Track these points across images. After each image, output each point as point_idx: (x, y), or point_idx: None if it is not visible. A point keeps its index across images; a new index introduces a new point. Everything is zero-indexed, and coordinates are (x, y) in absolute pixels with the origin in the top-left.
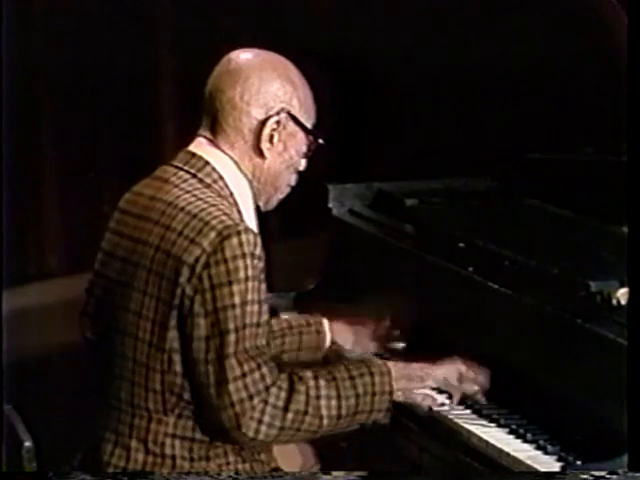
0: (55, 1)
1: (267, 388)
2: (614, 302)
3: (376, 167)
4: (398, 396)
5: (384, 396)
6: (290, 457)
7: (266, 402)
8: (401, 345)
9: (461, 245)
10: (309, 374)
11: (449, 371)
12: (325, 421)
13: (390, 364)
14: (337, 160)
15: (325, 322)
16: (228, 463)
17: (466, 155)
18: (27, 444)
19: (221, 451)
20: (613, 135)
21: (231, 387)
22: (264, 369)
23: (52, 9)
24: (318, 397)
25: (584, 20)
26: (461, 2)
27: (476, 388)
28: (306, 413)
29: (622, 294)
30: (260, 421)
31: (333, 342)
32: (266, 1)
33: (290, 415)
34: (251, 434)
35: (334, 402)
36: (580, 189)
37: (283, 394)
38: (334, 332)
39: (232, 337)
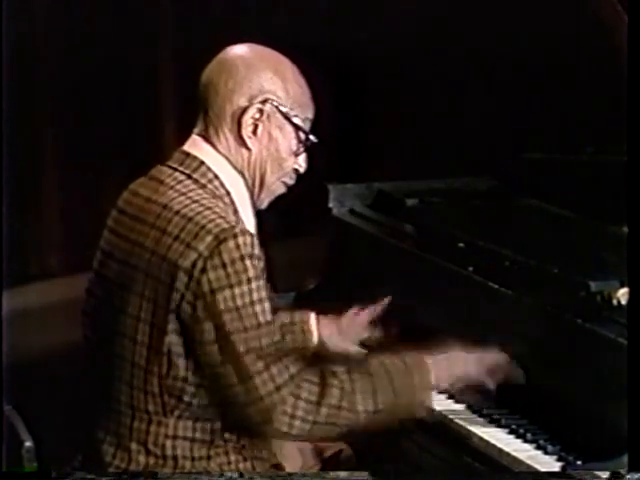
0: (56, 1)
1: (293, 378)
2: (614, 302)
3: (376, 167)
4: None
5: (425, 391)
6: (290, 457)
7: (298, 396)
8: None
9: (461, 245)
10: (342, 369)
11: (489, 364)
12: (362, 415)
13: (429, 361)
14: (337, 160)
15: (312, 319)
16: (229, 462)
17: (466, 155)
18: (27, 444)
19: (222, 450)
20: (613, 135)
21: (257, 381)
22: (285, 360)
23: (52, 9)
24: (353, 392)
25: (584, 20)
26: (461, 3)
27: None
28: (340, 407)
29: (622, 294)
30: (293, 416)
31: (321, 341)
32: (266, 1)
33: (324, 410)
34: (285, 429)
35: (370, 396)
36: (580, 189)
37: (315, 388)
38: (321, 328)
39: (243, 336)
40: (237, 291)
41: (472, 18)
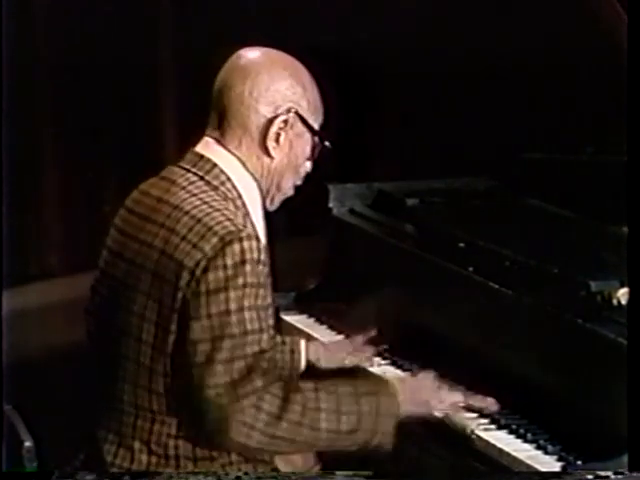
0: (56, 1)
1: (256, 391)
2: (614, 302)
3: (376, 167)
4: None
5: (389, 418)
6: (290, 458)
7: (259, 408)
8: (374, 360)
9: (461, 245)
10: (310, 385)
11: (457, 399)
12: (324, 434)
13: (398, 386)
14: (337, 160)
15: (302, 342)
16: (231, 463)
17: (466, 155)
18: (27, 444)
19: (224, 451)
20: (613, 135)
21: (218, 390)
22: (253, 374)
23: (52, 9)
24: (317, 409)
25: (584, 20)
26: (461, 2)
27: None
28: (301, 424)
29: (622, 294)
30: (252, 427)
31: (309, 363)
32: (268, 1)
33: (284, 424)
34: (242, 439)
35: (334, 416)
36: (580, 189)
37: (277, 401)
38: (309, 351)
39: (224, 343)
40: (232, 294)
41: (472, 18)
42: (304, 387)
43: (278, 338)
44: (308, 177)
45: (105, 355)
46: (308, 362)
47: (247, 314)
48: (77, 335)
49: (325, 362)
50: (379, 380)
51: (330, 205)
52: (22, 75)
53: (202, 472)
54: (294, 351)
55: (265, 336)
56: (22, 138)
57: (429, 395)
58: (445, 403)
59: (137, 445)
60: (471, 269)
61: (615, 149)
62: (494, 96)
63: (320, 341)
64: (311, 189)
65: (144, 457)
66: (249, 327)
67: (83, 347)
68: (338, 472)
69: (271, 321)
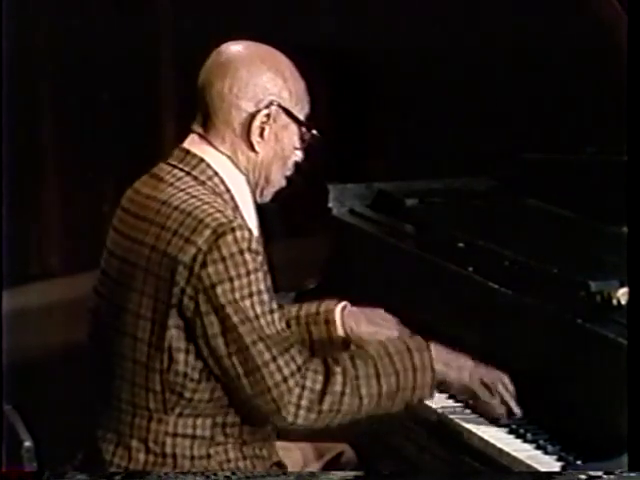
0: (56, 0)
1: (299, 369)
2: (614, 302)
3: (376, 167)
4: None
5: (426, 372)
6: (291, 459)
7: (303, 387)
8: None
9: (461, 245)
10: (345, 355)
11: (488, 374)
12: (365, 400)
13: (430, 343)
14: (337, 160)
15: (337, 310)
16: (229, 460)
17: (466, 155)
18: (27, 444)
19: (222, 449)
20: (613, 135)
21: (264, 371)
22: (292, 350)
23: (53, 9)
24: (357, 377)
25: (584, 20)
26: (461, 2)
27: (501, 410)
28: (344, 394)
29: (622, 294)
30: (299, 405)
31: (348, 330)
32: (266, 1)
33: (328, 398)
34: (290, 418)
35: (374, 381)
36: (580, 189)
37: (320, 377)
38: (346, 320)
39: (249, 326)
40: (237, 284)
41: (472, 18)
42: (340, 357)
43: (313, 308)
44: (307, 176)
45: (103, 354)
46: (345, 329)
47: (256, 298)
48: (77, 335)
49: (363, 331)
50: (410, 337)
51: (330, 205)
52: (22, 75)
53: (191, 472)
54: (329, 320)
55: (279, 315)
56: (22, 138)
57: (463, 362)
58: (478, 376)
59: (135, 444)
60: (471, 269)
61: (615, 149)
62: (494, 96)
63: (362, 309)
64: (311, 189)
65: (141, 456)
66: (262, 310)
67: (83, 347)
68: (335, 472)
69: (276, 304)
